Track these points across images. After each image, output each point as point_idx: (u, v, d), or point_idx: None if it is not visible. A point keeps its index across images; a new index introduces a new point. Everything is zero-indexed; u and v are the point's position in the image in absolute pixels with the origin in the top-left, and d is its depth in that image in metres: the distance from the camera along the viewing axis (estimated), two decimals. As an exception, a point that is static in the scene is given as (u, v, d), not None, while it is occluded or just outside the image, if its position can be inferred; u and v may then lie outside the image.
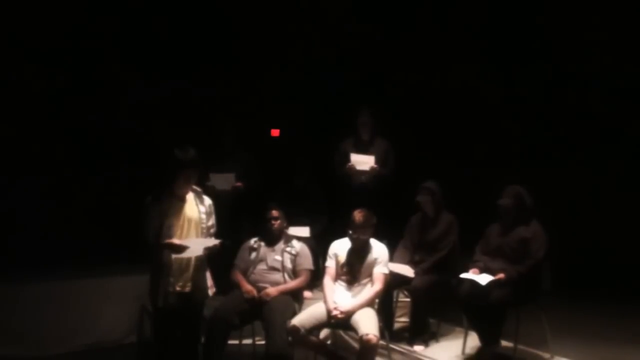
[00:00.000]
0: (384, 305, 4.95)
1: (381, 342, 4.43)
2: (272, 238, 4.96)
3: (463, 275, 4.68)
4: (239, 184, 5.89)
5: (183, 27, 7.14)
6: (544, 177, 6.62)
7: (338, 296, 4.56)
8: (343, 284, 4.65)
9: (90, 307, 5.39)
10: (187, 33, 7.17)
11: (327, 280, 4.65)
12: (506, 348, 4.76)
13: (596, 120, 6.86)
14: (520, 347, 4.75)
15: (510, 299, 4.49)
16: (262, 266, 4.84)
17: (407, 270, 5.05)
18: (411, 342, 5.06)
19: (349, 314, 4.41)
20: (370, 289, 4.55)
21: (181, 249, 3.81)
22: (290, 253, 4.89)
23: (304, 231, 5.71)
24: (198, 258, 3.97)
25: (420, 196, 5.23)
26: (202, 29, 7.30)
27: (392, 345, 4.88)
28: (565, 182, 6.94)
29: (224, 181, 5.78)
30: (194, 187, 4.05)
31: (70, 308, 5.32)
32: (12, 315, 5.11)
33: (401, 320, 5.51)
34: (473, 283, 4.57)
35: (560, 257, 4.89)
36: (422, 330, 5.10)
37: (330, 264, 4.70)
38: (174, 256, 3.87)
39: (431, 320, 5.25)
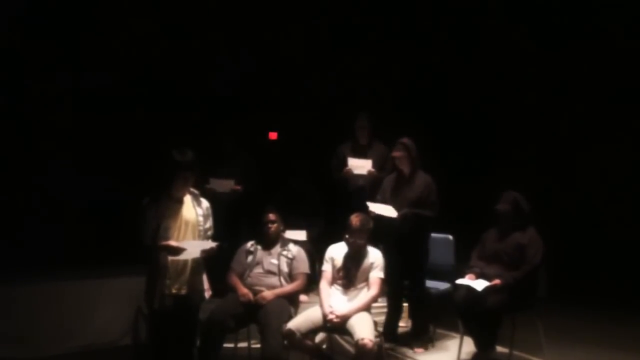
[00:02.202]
0: (392, 306, 5.09)
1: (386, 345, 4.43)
2: (269, 241, 4.95)
3: (459, 281, 4.69)
4: (237, 187, 5.89)
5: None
6: (540, 183, 6.65)
7: (334, 300, 4.56)
8: (339, 288, 4.65)
9: (85, 309, 5.36)
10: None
11: (323, 284, 4.65)
12: (501, 354, 4.77)
13: (594, 125, 6.90)
14: (516, 352, 4.76)
15: (506, 304, 4.50)
16: (258, 269, 4.84)
17: (389, 211, 4.92)
18: (410, 345, 5.06)
19: (344, 318, 4.41)
20: (366, 294, 4.55)
21: (178, 251, 3.81)
22: (286, 257, 4.88)
23: (301, 235, 5.71)
24: (195, 260, 3.97)
25: (395, 151, 5.05)
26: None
27: (388, 349, 4.89)
28: (561, 188, 6.98)
29: (223, 185, 5.79)
30: (192, 189, 4.05)
31: (66, 309, 5.29)
32: (6, 316, 5.07)
33: (400, 325, 5.50)
34: (469, 289, 4.57)
35: (556, 264, 4.90)
36: (422, 333, 5.10)
37: (327, 268, 4.70)
38: (170, 258, 3.86)
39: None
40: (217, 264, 4.39)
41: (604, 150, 6.88)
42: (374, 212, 4.89)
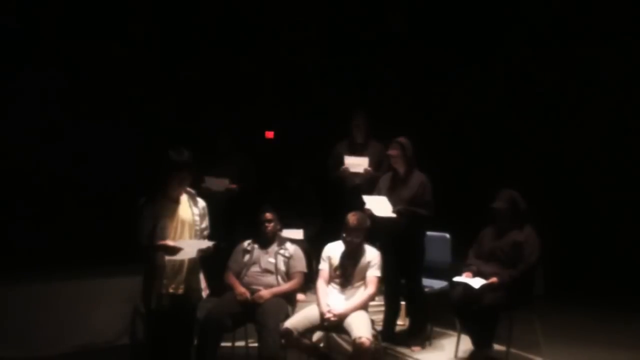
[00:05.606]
0: (390, 305, 5.08)
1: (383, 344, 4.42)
2: (266, 240, 4.95)
3: (456, 279, 4.69)
4: (233, 186, 5.89)
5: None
6: (536, 181, 6.65)
7: (331, 299, 4.56)
8: (336, 286, 4.65)
9: (82, 309, 5.37)
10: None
11: (321, 283, 4.65)
12: (499, 352, 4.77)
13: (591, 124, 6.90)
14: (513, 350, 4.76)
15: (503, 302, 4.51)
16: (255, 268, 4.84)
17: (384, 204, 4.89)
18: (408, 344, 5.07)
19: (342, 317, 4.41)
20: (363, 292, 4.56)
21: (175, 250, 3.80)
22: (283, 255, 4.88)
23: (298, 234, 5.70)
24: (191, 260, 3.96)
25: (390, 149, 5.03)
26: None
27: (385, 348, 4.89)
28: (558, 186, 6.98)
29: (219, 184, 5.79)
30: (188, 189, 4.04)
31: (63, 309, 5.30)
32: (2, 316, 5.08)
33: (397, 323, 5.51)
34: (466, 287, 4.58)
35: (553, 261, 4.91)
36: (419, 331, 5.11)
37: (324, 267, 4.70)
38: (167, 258, 3.86)
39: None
40: (215, 263, 4.39)
41: (602, 148, 6.88)
42: (370, 210, 4.89)
